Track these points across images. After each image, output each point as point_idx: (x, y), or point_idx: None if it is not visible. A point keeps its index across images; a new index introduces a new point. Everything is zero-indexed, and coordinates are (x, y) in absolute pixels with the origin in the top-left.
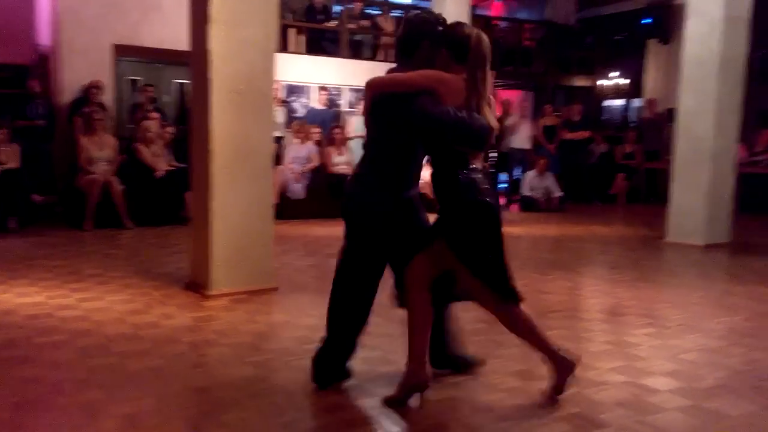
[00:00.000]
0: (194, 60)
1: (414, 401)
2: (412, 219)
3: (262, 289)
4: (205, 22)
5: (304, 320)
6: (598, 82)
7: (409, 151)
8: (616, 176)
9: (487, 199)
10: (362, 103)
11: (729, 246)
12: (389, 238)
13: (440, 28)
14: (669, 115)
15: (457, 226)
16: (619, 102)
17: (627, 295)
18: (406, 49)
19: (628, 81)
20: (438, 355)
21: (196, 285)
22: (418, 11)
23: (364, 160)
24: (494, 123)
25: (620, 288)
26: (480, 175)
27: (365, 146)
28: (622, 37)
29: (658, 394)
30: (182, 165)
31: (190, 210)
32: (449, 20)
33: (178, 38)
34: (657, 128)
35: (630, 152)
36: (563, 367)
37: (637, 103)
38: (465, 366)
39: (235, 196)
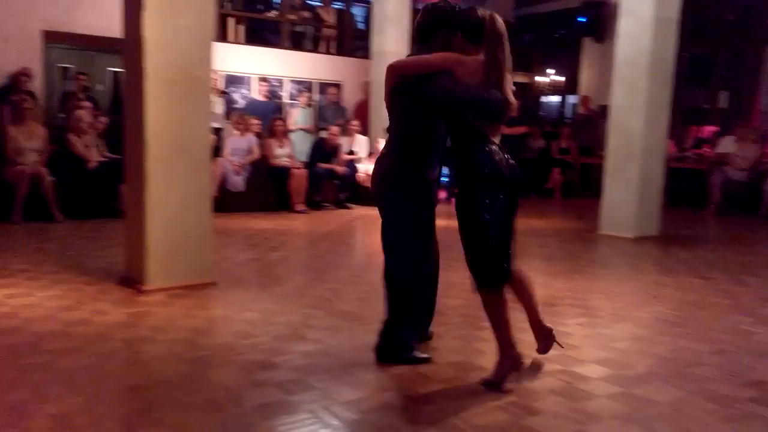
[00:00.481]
0: (127, 48)
1: (509, 385)
2: (431, 199)
3: (200, 283)
4: (139, 8)
5: (243, 315)
6: (536, 79)
7: (430, 132)
8: (552, 171)
9: (503, 171)
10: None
11: (658, 238)
12: (412, 214)
13: (455, 14)
14: (603, 112)
15: (470, 199)
16: (555, 98)
17: (562, 286)
18: (424, 36)
19: (563, 78)
20: (385, 350)
21: (131, 280)
22: (434, 1)
23: (388, 142)
24: (512, 98)
25: (555, 279)
26: (498, 148)
27: (388, 129)
28: (558, 34)
29: (590, 381)
30: (116, 156)
31: (124, 203)
32: (389, 15)
33: (112, 25)
34: (591, 124)
35: (566, 147)
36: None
37: (572, 99)
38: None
39: (172, 189)
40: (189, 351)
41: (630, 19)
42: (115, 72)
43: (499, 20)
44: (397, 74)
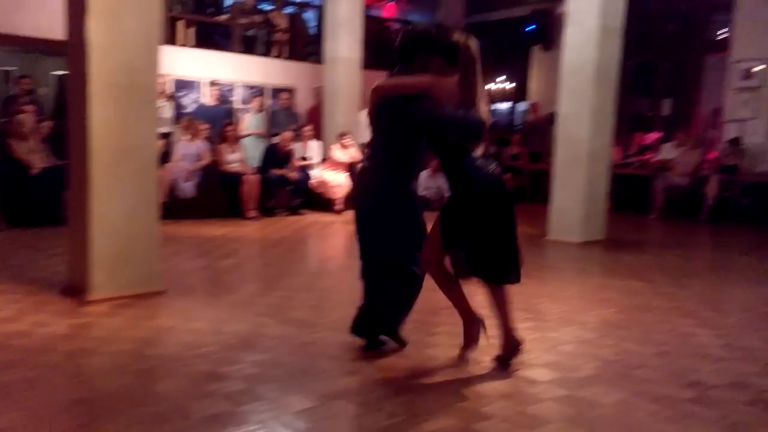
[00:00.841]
0: (71, 51)
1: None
2: (413, 208)
3: (148, 293)
4: (83, 11)
5: (191, 324)
6: (487, 86)
7: (412, 147)
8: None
9: (491, 179)
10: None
11: (604, 243)
12: (391, 223)
13: (432, 37)
14: (551, 119)
15: (458, 206)
16: (505, 105)
17: (511, 290)
18: (404, 57)
19: (513, 85)
20: (362, 325)
21: (74, 290)
22: (415, 23)
23: (371, 155)
24: (487, 117)
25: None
26: (482, 160)
27: (370, 143)
28: (508, 42)
29: (537, 384)
30: (60, 162)
31: (68, 210)
32: (341, 20)
33: (56, 27)
34: (540, 131)
35: (516, 154)
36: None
37: (522, 106)
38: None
39: (117, 195)
40: (134, 362)
41: (576, 28)
42: (59, 75)
43: (474, 45)
44: (381, 95)
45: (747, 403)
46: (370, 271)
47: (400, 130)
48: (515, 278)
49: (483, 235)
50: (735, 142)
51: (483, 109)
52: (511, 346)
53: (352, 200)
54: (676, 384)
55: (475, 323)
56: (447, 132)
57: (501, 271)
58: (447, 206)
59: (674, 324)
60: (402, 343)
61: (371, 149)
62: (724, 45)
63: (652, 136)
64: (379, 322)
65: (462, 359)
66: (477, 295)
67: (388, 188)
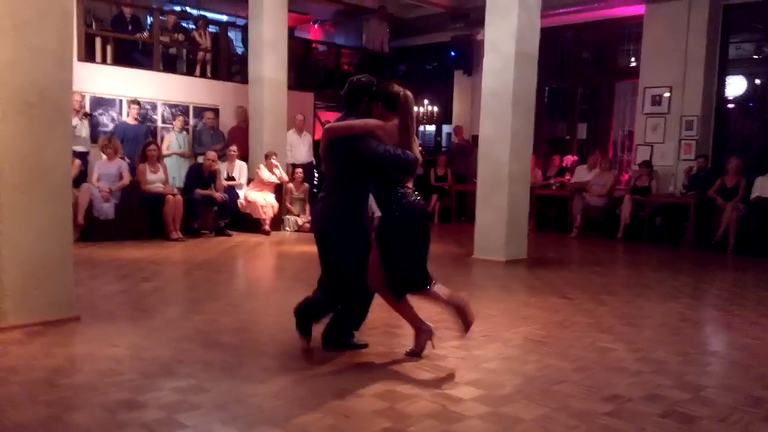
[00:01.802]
0: None
1: (428, 348)
2: (363, 230)
3: (62, 319)
4: None
5: (108, 351)
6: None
7: (358, 178)
8: (430, 197)
9: (418, 206)
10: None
11: (526, 261)
12: (340, 249)
13: (374, 88)
14: (475, 141)
15: (391, 227)
16: (431, 128)
17: (438, 309)
18: (350, 103)
19: (437, 108)
20: (331, 338)
21: None
22: (359, 76)
23: (325, 185)
24: (419, 156)
25: (431, 303)
26: (410, 191)
27: (324, 176)
28: (431, 66)
29: (462, 403)
30: None
31: None
32: (266, 40)
33: None
34: (464, 153)
35: (442, 175)
36: (423, 333)
37: (447, 129)
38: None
39: (27, 218)
40: (47, 392)
41: (494, 54)
42: None
43: (410, 96)
44: (332, 135)
45: (662, 415)
46: (329, 283)
47: (349, 164)
48: (426, 286)
49: (401, 253)
50: (646, 164)
51: (416, 149)
52: (422, 340)
53: (311, 224)
54: (594, 398)
55: (424, 332)
56: (386, 167)
57: (414, 282)
58: (379, 229)
59: (592, 339)
60: (362, 346)
61: (325, 180)
62: (634, 72)
63: (570, 159)
64: (339, 326)
65: (407, 353)
66: (424, 307)
67: (341, 213)
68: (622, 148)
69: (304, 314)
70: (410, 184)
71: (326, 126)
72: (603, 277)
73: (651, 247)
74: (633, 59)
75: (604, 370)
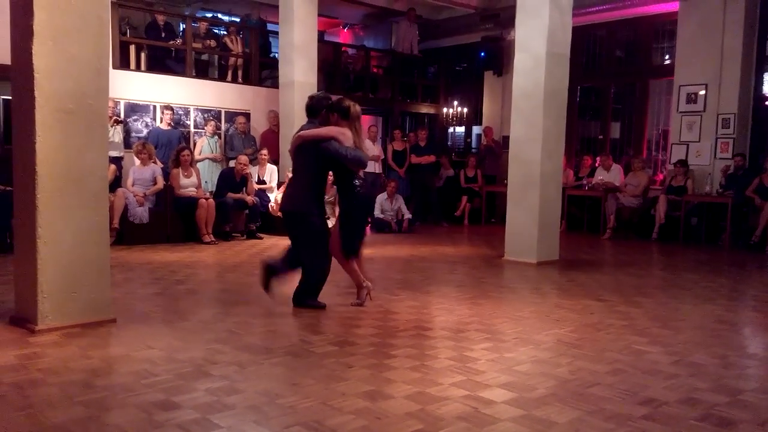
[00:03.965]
0: (16, 76)
1: (366, 300)
2: (319, 211)
3: (99, 321)
4: (29, 36)
5: (144, 353)
6: (443, 110)
7: (317, 171)
8: (461, 199)
9: (366, 195)
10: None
11: (558, 263)
12: (309, 224)
13: (330, 101)
14: (505, 142)
15: (348, 209)
16: (461, 128)
17: (469, 312)
18: (312, 113)
19: (467, 109)
20: (299, 297)
21: (22, 320)
22: (317, 92)
23: (293, 179)
24: (367, 153)
25: (463, 305)
26: (361, 182)
27: (294, 170)
28: (461, 67)
29: (494, 405)
30: (7, 188)
31: (15, 237)
32: (296, 45)
33: (3, 51)
34: (494, 154)
35: (472, 176)
36: (363, 289)
37: (477, 130)
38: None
39: (66, 222)
40: (84, 393)
41: (525, 54)
42: (5, 100)
43: (358, 107)
44: (304, 140)
45: (698, 419)
46: (294, 252)
47: (317, 160)
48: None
49: (354, 227)
50: (682, 163)
51: (365, 148)
52: (362, 294)
53: (280, 204)
54: (629, 401)
55: (364, 288)
56: (345, 161)
57: (356, 249)
58: (342, 208)
59: (627, 342)
60: (321, 306)
61: (293, 173)
62: (668, 70)
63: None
64: (306, 288)
65: (352, 304)
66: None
67: (303, 197)
68: (657, 147)
69: (268, 271)
70: (361, 175)
71: (298, 133)
72: (637, 278)
73: (687, 247)
74: (667, 57)
75: (639, 373)
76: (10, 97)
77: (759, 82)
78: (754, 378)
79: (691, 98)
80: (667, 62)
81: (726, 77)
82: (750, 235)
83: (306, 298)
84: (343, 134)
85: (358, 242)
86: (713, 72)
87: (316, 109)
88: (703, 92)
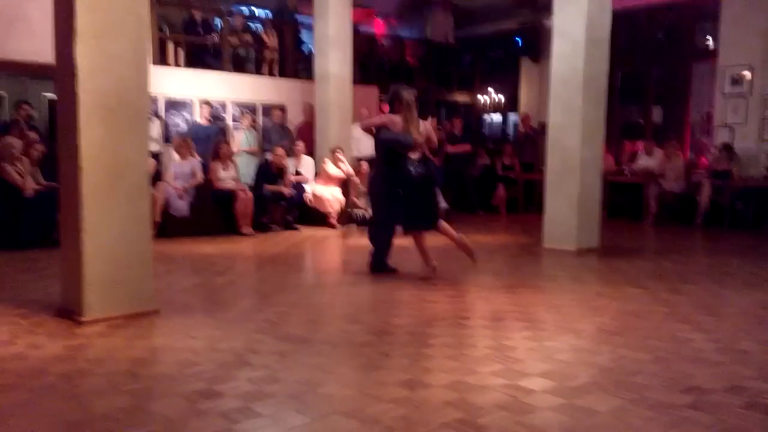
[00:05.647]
0: (60, 75)
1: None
2: (392, 188)
3: (142, 312)
4: (71, 35)
5: (187, 343)
6: (478, 97)
7: (384, 157)
8: (497, 187)
9: (421, 173)
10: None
11: (598, 250)
12: (375, 201)
13: (395, 93)
14: (542, 129)
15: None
16: (497, 117)
17: (507, 300)
18: (391, 105)
19: (504, 97)
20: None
21: (68, 311)
22: (395, 85)
23: (375, 158)
24: (417, 139)
25: (502, 294)
26: (414, 162)
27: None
28: (497, 55)
29: (533, 394)
30: (52, 184)
31: (60, 231)
32: (331, 37)
33: (45, 51)
34: (532, 141)
35: (509, 164)
36: (431, 268)
37: (513, 117)
38: (392, 271)
39: (109, 216)
40: (129, 383)
41: (563, 40)
42: (50, 98)
43: (407, 95)
44: (363, 129)
45: (744, 407)
46: (374, 225)
47: (377, 147)
48: (431, 227)
49: (411, 203)
50: (726, 147)
51: (414, 133)
52: (430, 268)
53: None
54: (672, 390)
55: (429, 266)
56: (392, 146)
57: (422, 223)
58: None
59: (670, 329)
60: (393, 270)
61: (375, 155)
62: (711, 52)
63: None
64: (378, 262)
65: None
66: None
67: (373, 179)
68: (701, 130)
69: (375, 259)
70: (414, 156)
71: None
72: (680, 265)
73: (732, 233)
74: (710, 39)
75: (683, 360)
76: (53, 96)
77: None
78: None
79: (736, 80)
80: (710, 45)
81: None
82: None
83: (377, 266)
84: (392, 121)
85: (414, 221)
86: (758, 53)
87: (391, 100)
88: (748, 74)
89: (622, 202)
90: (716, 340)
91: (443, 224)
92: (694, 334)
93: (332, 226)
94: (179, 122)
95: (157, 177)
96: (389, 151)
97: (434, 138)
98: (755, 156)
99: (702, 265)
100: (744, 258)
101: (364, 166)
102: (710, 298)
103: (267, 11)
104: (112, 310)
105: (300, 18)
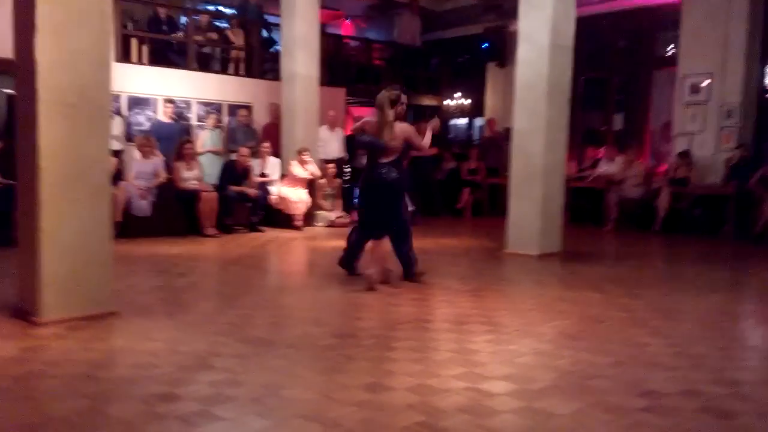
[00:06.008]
0: (19, 70)
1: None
2: (366, 193)
3: (101, 314)
4: (31, 30)
5: (146, 345)
6: (444, 102)
7: (367, 158)
8: (462, 191)
9: (387, 178)
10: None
11: (560, 255)
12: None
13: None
14: (507, 134)
15: (370, 190)
16: (463, 121)
17: (470, 304)
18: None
19: (470, 101)
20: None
21: (24, 312)
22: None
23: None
24: (387, 142)
25: (465, 298)
26: (386, 166)
27: None
28: (463, 59)
29: (495, 397)
30: (10, 182)
31: (18, 230)
32: (298, 38)
33: (4, 46)
34: (497, 146)
35: (474, 168)
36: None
37: (479, 122)
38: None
39: (69, 215)
40: (86, 386)
41: (528, 46)
42: (8, 94)
43: (380, 97)
44: (355, 129)
45: (698, 410)
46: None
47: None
48: (383, 235)
49: (372, 208)
50: (685, 154)
51: (385, 136)
52: (385, 275)
53: None
54: (629, 393)
55: (386, 271)
56: (365, 148)
57: (378, 230)
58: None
59: (628, 334)
60: (358, 274)
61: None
62: (671, 60)
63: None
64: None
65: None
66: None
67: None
68: (660, 138)
69: (344, 254)
70: (385, 161)
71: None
72: (639, 270)
73: (689, 239)
74: (671, 47)
75: (640, 365)
76: (12, 91)
77: (762, 73)
78: (755, 370)
79: (695, 88)
80: (671, 53)
81: (730, 68)
82: (754, 226)
83: (344, 263)
84: (368, 123)
85: (372, 225)
86: (717, 62)
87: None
88: (707, 82)
89: (584, 207)
90: (673, 344)
91: (382, 244)
92: (651, 338)
93: (297, 228)
94: (142, 120)
95: (118, 176)
96: (369, 154)
97: (418, 141)
98: (713, 164)
99: (660, 270)
100: (701, 263)
101: (331, 167)
102: (668, 302)
103: (232, 9)
104: (70, 312)
105: (270, 18)
